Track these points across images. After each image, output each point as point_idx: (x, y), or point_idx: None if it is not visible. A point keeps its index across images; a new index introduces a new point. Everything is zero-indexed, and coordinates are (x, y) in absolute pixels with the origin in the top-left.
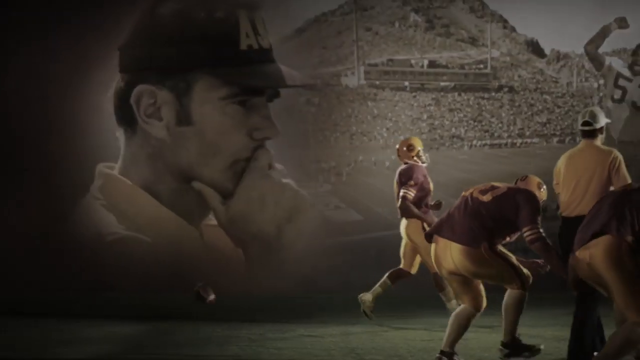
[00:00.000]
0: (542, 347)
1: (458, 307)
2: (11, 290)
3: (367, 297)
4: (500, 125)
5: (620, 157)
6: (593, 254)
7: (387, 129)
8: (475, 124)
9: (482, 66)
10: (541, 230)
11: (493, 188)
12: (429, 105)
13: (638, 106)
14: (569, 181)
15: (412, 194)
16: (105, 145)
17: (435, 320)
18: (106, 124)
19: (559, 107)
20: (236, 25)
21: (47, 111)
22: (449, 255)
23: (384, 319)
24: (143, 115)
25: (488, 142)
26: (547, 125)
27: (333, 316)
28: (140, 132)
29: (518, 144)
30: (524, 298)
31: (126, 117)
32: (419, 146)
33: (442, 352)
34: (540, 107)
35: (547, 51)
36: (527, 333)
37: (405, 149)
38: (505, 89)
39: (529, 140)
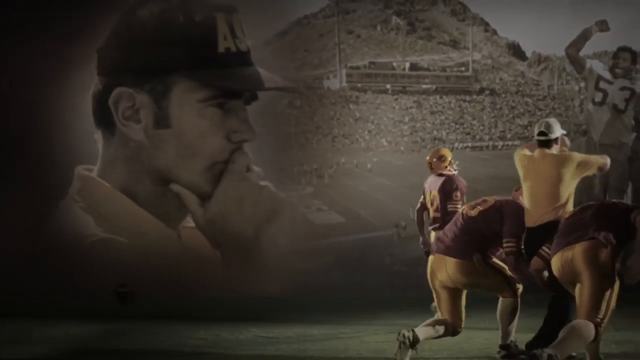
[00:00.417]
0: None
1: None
2: None
3: None
4: (481, 127)
5: (575, 155)
6: (577, 252)
7: (369, 131)
8: (457, 126)
9: (463, 69)
10: (519, 244)
11: (483, 202)
12: (411, 107)
13: (619, 109)
14: (530, 192)
15: (460, 206)
16: (84, 148)
17: (397, 322)
18: (84, 127)
19: (540, 109)
20: (214, 29)
21: (25, 114)
22: (444, 268)
23: (339, 323)
24: (121, 117)
25: (469, 144)
26: (529, 127)
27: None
28: (119, 135)
29: (499, 147)
30: (516, 305)
31: (104, 119)
32: (449, 156)
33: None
34: (521, 110)
35: (528, 54)
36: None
37: (436, 159)
38: (487, 92)
39: (510, 143)
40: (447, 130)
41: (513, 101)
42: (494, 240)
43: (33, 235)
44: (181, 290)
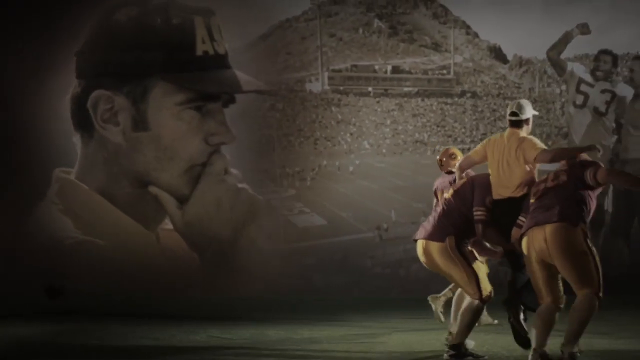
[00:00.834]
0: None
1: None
2: None
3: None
4: (463, 130)
5: (529, 138)
6: (551, 239)
7: (351, 134)
8: (439, 129)
9: (445, 72)
10: (488, 213)
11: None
12: (393, 110)
13: (599, 111)
14: (494, 166)
15: None
16: (63, 150)
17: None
18: (63, 129)
19: None
20: (192, 32)
21: (3, 116)
22: (422, 252)
23: (295, 323)
24: (100, 120)
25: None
26: None
27: (261, 318)
28: (97, 137)
29: None
30: (480, 309)
31: (83, 122)
32: (459, 154)
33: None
34: (502, 113)
35: (509, 57)
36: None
37: (446, 158)
38: (468, 95)
39: None
40: (429, 133)
41: (494, 104)
42: (471, 220)
43: (11, 238)
44: (159, 292)
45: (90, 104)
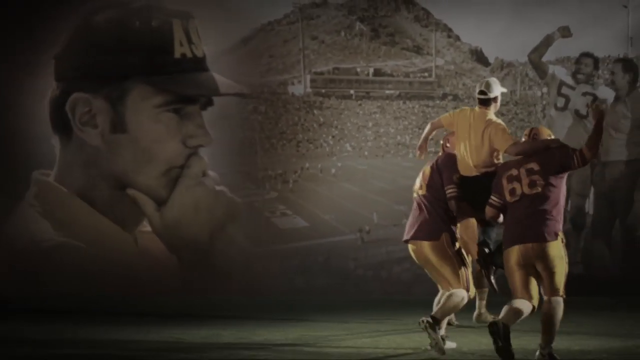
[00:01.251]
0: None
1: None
2: None
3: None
4: (444, 132)
5: (497, 124)
6: (541, 257)
7: (333, 136)
8: (420, 131)
9: (426, 74)
10: (458, 189)
11: (423, 177)
12: (374, 113)
13: (581, 114)
14: (459, 144)
15: None
16: (41, 152)
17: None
18: (42, 132)
19: (502, 114)
20: (170, 34)
21: None
22: (424, 253)
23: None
24: (78, 123)
25: (433, 149)
26: None
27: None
28: (76, 140)
29: None
30: (465, 300)
31: (61, 124)
32: None
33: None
34: None
35: (491, 60)
36: None
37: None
38: (450, 97)
39: None
40: (411, 135)
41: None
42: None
43: None
44: (137, 294)
45: (68, 106)
